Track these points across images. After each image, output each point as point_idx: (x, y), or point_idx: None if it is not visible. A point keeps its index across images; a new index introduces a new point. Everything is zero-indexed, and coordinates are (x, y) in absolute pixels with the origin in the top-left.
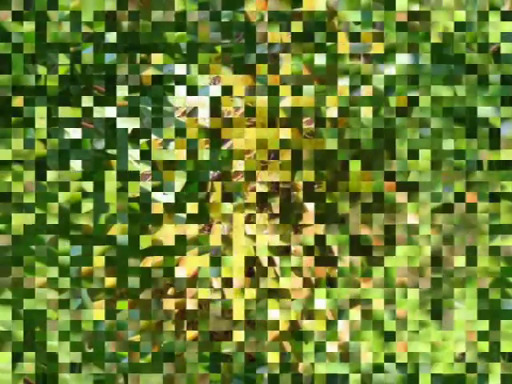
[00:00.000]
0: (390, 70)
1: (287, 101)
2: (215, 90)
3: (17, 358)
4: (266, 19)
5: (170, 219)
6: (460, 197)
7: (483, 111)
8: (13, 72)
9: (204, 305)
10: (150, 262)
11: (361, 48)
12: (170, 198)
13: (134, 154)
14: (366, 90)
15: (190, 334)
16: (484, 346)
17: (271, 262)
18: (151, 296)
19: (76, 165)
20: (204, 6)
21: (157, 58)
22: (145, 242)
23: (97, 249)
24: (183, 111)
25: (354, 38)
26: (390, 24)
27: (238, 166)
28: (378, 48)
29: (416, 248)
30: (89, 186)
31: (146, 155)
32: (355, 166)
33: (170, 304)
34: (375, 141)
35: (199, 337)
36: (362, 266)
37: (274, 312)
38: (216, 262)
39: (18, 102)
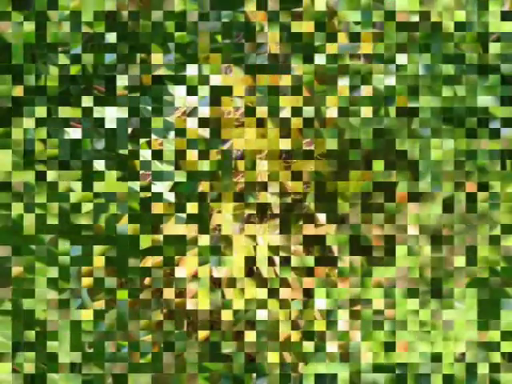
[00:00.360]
0: (390, 80)
1: (287, 111)
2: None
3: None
4: (266, 29)
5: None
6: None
7: (483, 110)
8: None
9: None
10: (149, 261)
11: (349, 48)
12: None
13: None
14: (365, 90)
15: (202, 334)
16: (485, 346)
17: (271, 262)
18: (151, 296)
19: (99, 165)
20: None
21: (156, 57)
22: (145, 241)
23: (97, 248)
24: (183, 111)
25: (354, 37)
26: (389, 24)
27: (261, 166)
28: (369, 48)
29: (414, 249)
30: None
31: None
32: (378, 165)
33: (169, 293)
34: (375, 141)
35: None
36: (361, 266)
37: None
38: (217, 251)
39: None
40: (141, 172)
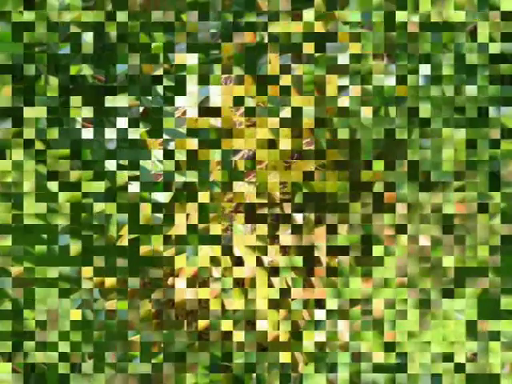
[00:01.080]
0: (391, 80)
1: (287, 111)
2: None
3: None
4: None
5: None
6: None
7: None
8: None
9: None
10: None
11: (338, 48)
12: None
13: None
14: (354, 90)
15: (201, 323)
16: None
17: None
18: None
19: (111, 165)
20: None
21: (180, 58)
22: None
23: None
24: (183, 111)
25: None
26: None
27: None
28: (358, 48)
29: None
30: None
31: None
32: (378, 165)
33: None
34: (375, 141)
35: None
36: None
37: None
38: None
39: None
40: (153, 172)
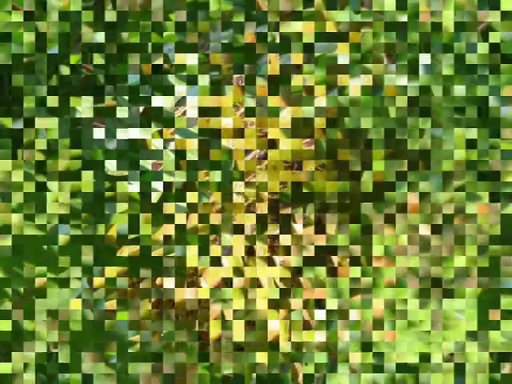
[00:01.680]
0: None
1: (287, 111)
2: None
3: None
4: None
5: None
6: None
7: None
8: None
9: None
10: (126, 250)
11: (326, 48)
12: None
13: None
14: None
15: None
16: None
17: (271, 262)
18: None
19: (111, 165)
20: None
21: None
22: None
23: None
24: (183, 111)
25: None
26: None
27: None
28: (346, 48)
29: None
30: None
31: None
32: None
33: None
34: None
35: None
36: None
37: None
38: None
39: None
40: (151, 161)
